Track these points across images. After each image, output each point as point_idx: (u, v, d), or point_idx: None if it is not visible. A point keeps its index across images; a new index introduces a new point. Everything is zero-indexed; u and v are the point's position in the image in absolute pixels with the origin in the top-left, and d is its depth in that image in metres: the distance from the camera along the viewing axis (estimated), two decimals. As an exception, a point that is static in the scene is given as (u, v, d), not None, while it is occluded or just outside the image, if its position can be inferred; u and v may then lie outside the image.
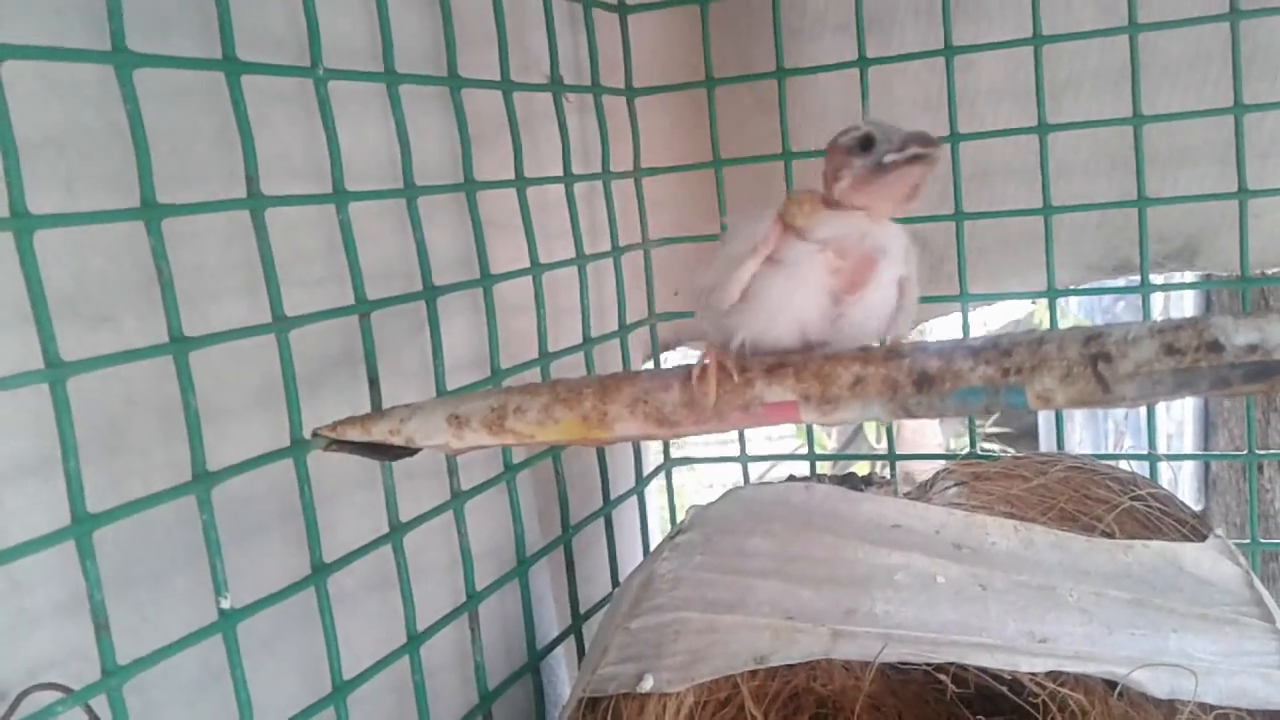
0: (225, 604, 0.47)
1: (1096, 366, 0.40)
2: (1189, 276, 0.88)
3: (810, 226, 0.48)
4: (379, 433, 0.50)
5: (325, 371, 0.57)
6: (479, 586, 0.63)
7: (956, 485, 0.71)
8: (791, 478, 0.73)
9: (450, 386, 0.62)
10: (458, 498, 0.61)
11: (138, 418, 0.48)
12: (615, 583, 0.78)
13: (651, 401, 0.47)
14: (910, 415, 0.44)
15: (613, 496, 0.79)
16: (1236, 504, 2.70)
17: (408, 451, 0.52)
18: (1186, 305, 2.20)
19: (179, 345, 0.45)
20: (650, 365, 0.93)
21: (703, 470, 2.45)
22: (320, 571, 0.51)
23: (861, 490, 0.68)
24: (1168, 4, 0.78)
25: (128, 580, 0.47)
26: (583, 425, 0.48)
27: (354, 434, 0.51)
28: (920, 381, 0.43)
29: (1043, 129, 0.78)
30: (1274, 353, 0.37)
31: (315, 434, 0.51)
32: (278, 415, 0.52)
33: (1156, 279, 0.83)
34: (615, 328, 0.83)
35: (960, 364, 0.42)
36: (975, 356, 0.42)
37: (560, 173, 0.75)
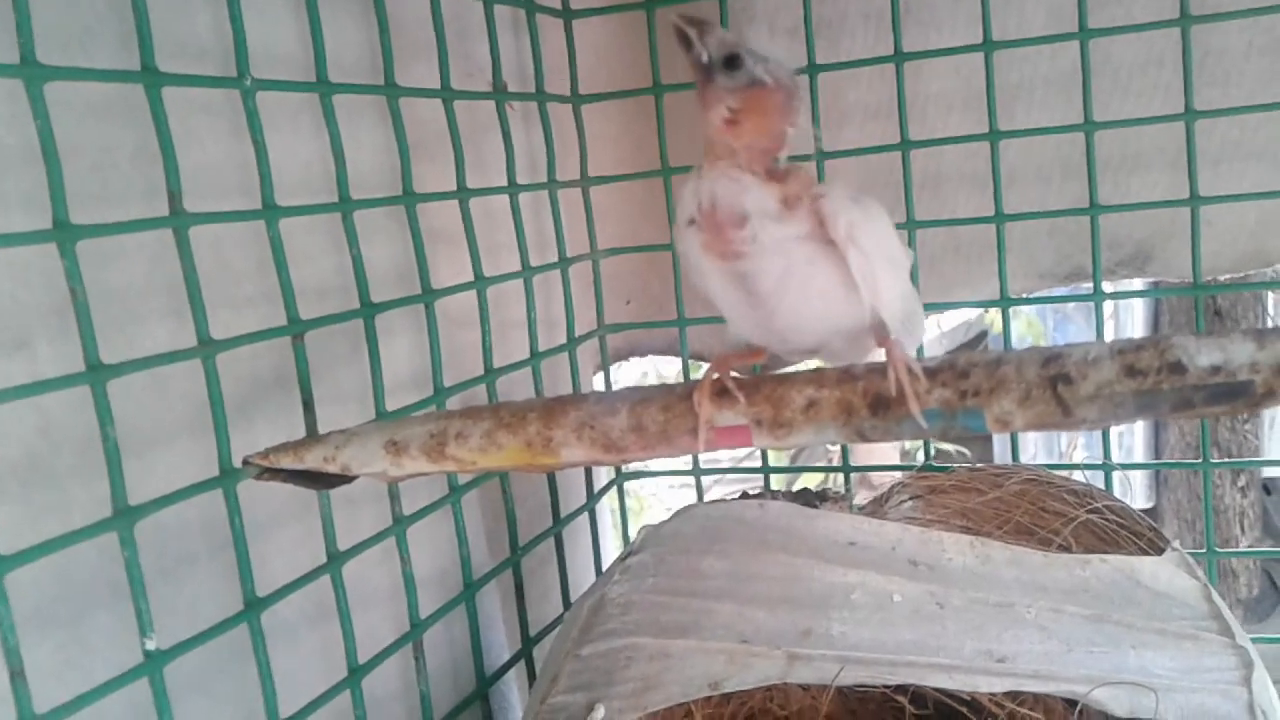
0: (151, 645, 0.44)
1: (1056, 389, 0.38)
2: (1139, 284, 0.87)
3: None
4: (313, 460, 0.48)
5: (257, 394, 0.55)
6: (424, 613, 0.61)
7: (912, 499, 0.69)
8: (745, 495, 0.72)
9: (391, 407, 0.59)
10: (400, 523, 0.59)
11: (55, 449, 0.45)
12: (567, 602, 0.77)
13: (598, 427, 0.45)
14: (865, 439, 0.42)
15: (564, 514, 0.77)
16: (1187, 499, 2.74)
17: (344, 479, 0.49)
18: (1137, 310, 2.23)
19: (96, 374, 0.43)
20: (600, 377, 0.91)
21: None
22: (253, 607, 0.49)
23: (816, 506, 0.66)
24: (1119, 9, 0.77)
25: (48, 621, 0.44)
26: (527, 451, 0.46)
27: (287, 461, 0.49)
28: (875, 404, 0.41)
29: (994, 136, 0.77)
30: (1237, 374, 0.36)
31: (246, 462, 0.49)
32: (207, 441, 0.49)
33: (1108, 287, 0.82)
34: (564, 340, 0.81)
35: (916, 385, 0.41)
36: (932, 378, 0.41)
37: (505, 183, 0.73)
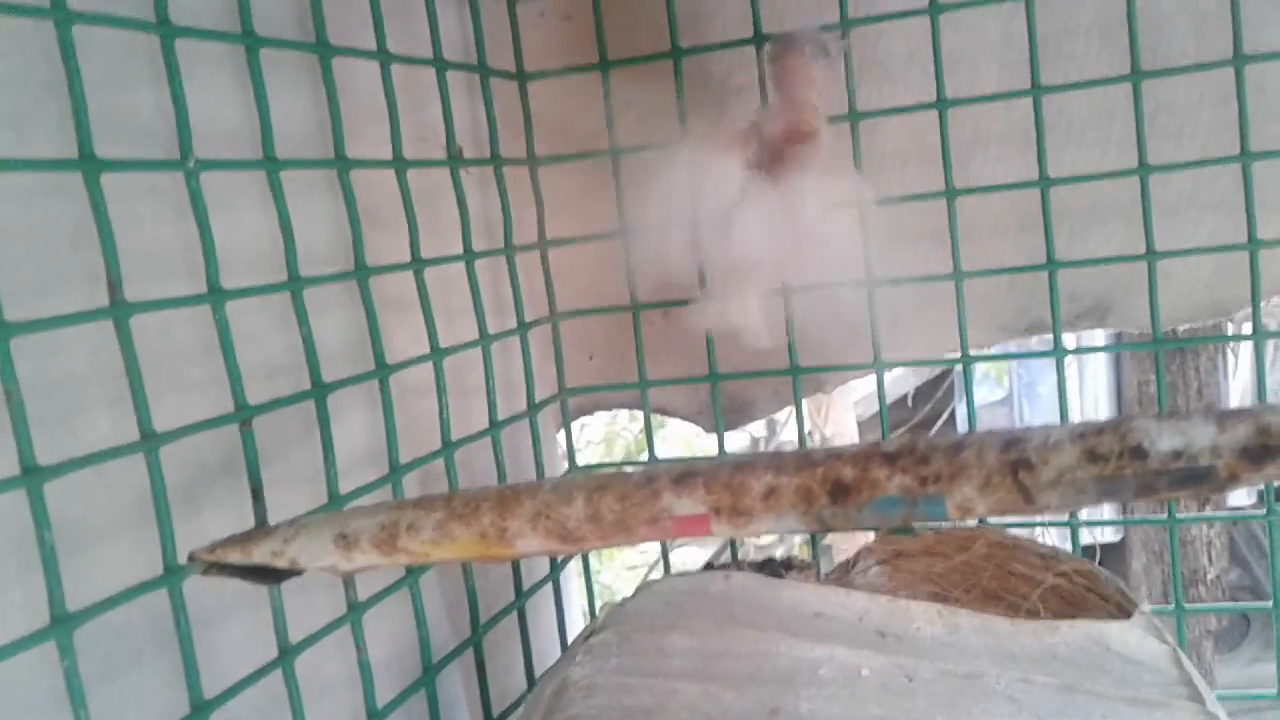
0: (91, 758, 0.42)
1: (1017, 475, 0.38)
2: (1101, 335, 0.88)
3: None
4: (261, 555, 0.47)
5: (204, 481, 0.53)
6: (382, 700, 0.59)
7: (879, 564, 0.69)
8: (709, 566, 0.70)
9: (346, 487, 0.58)
10: (355, 610, 0.57)
11: (-12, 552, 0.44)
12: (531, 677, 0.75)
13: (554, 516, 0.44)
14: (827, 528, 0.41)
15: (526, 586, 0.76)
16: (1155, 531, 2.74)
17: (294, 573, 0.48)
18: (1099, 360, 2.25)
19: (31, 477, 0.41)
20: (563, 435, 0.90)
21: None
22: (200, 710, 0.47)
23: (782, 576, 0.65)
24: (1070, 65, 0.78)
25: (-19, 733, 0.43)
26: (481, 543, 0.45)
27: (234, 556, 0.47)
28: (835, 492, 0.40)
29: (950, 193, 0.77)
30: (1199, 458, 0.36)
31: (192, 557, 0.47)
32: (153, 531, 0.48)
33: (1070, 338, 0.82)
34: (524, 404, 0.80)
35: (876, 472, 0.40)
36: (892, 464, 0.40)
37: (460, 249, 0.72)
